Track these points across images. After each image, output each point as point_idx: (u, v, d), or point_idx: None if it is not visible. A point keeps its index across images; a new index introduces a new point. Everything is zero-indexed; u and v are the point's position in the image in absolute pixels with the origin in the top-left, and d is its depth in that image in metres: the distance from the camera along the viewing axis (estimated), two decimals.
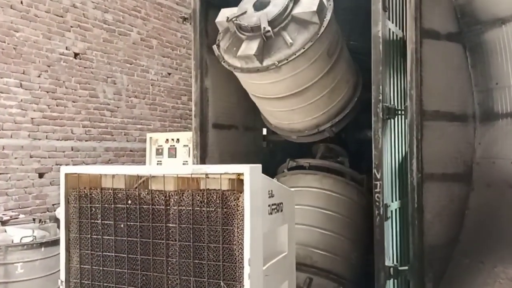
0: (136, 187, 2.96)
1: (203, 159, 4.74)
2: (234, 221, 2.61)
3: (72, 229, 3.11)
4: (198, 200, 2.71)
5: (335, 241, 4.37)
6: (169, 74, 10.06)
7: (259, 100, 4.60)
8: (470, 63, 4.05)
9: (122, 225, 2.94)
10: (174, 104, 10.18)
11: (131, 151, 9.02)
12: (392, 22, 4.15)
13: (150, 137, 6.22)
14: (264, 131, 5.76)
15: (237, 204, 2.59)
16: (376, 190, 3.84)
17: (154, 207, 2.83)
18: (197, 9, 4.75)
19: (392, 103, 4.02)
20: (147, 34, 9.47)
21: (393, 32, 4.15)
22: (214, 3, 4.93)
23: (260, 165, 2.67)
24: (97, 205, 3.00)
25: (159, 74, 9.77)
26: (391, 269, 3.87)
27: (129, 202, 2.91)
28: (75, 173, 3.10)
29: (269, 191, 2.85)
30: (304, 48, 3.80)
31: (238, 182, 2.60)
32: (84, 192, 3.06)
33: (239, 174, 2.61)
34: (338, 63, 4.32)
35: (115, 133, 8.68)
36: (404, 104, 4.03)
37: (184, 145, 5.79)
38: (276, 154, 5.66)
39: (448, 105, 3.99)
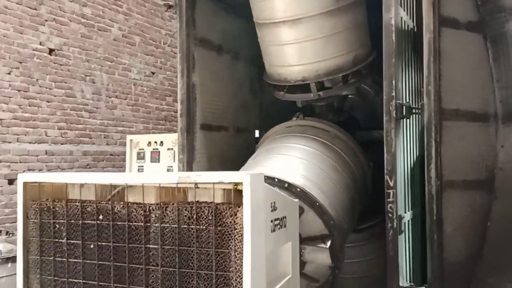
0: (109, 199, 2.43)
1: (190, 164, 4.21)
2: (231, 242, 2.09)
3: (31, 249, 2.56)
4: (186, 216, 2.19)
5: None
6: (153, 73, 9.50)
7: (271, 31, 3.99)
8: (491, 56, 3.61)
9: (92, 246, 2.40)
10: (158, 105, 9.62)
11: (111, 155, 8.42)
12: (404, 10, 3.69)
13: (131, 140, 5.65)
14: (257, 133, 5.25)
15: (234, 221, 2.08)
16: (389, 200, 3.35)
17: (131, 224, 2.30)
18: None
19: (405, 101, 3.56)
20: (129, 31, 8.91)
21: (404, 22, 3.69)
22: None
23: (262, 173, 2.16)
24: (62, 220, 2.47)
25: (142, 73, 9.20)
26: None
27: (101, 217, 2.38)
28: (36, 182, 2.55)
29: (271, 204, 2.34)
30: None
31: (235, 194, 2.09)
32: (47, 205, 2.52)
33: (236, 184, 2.09)
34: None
35: (94, 135, 8.08)
36: (419, 102, 3.56)
37: (168, 149, 5.24)
38: None
39: (469, 103, 3.54)
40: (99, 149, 8.15)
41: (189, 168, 4.21)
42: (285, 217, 2.59)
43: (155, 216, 2.25)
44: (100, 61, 8.22)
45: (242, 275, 2.04)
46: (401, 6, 3.59)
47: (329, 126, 4.16)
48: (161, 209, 2.24)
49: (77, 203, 2.43)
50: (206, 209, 2.14)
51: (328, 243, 3.29)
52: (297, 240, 2.84)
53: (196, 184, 2.19)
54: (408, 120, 3.54)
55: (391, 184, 3.36)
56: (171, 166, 5.19)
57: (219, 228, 2.10)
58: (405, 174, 3.60)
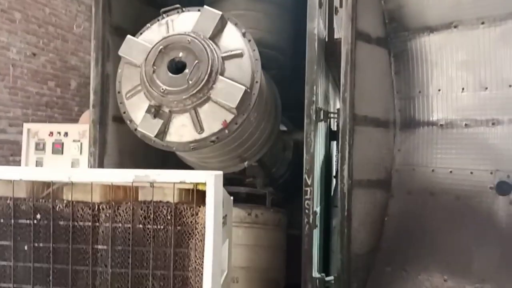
0: (43, 197, 2.27)
1: (101, 158, 4.02)
2: (191, 242, 2.10)
3: None
4: (141, 216, 2.14)
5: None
6: (34, 54, 8.72)
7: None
8: (394, 69, 4.03)
9: (25, 247, 2.22)
10: (39, 89, 8.86)
11: None
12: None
13: (28, 129, 5.15)
14: None
15: (195, 221, 2.10)
16: (306, 197, 3.58)
17: (76, 223, 2.18)
18: None
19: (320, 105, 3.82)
20: (9, 6, 8.07)
21: (322, 32, 3.95)
22: None
23: (221, 173, 2.20)
24: None
25: (23, 53, 8.40)
26: (317, 280, 3.67)
27: (38, 216, 2.21)
28: None
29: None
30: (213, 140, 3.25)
31: (197, 194, 2.10)
32: None
33: (197, 184, 2.11)
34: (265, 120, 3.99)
35: None
36: (326, 107, 3.87)
37: (74, 140, 4.89)
38: None
39: (374, 110, 3.91)
40: None
41: (100, 162, 4.02)
42: (226, 215, 2.65)
43: (105, 215, 2.16)
44: None
45: (201, 274, 2.07)
46: None
47: None
48: (113, 208, 2.16)
49: (8, 201, 2.23)
50: (164, 209, 2.12)
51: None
52: (231, 237, 2.92)
53: (151, 183, 2.15)
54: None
55: (309, 182, 3.59)
56: (77, 159, 4.86)
57: (178, 227, 2.10)
58: (317, 173, 3.87)
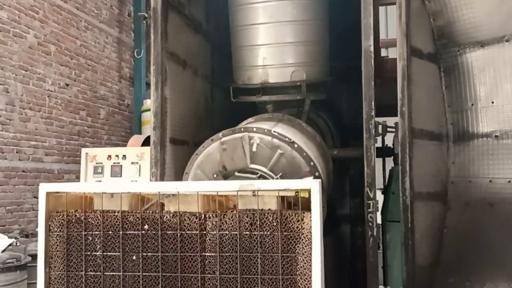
0: (147, 208, 2.37)
1: (162, 178, 4.12)
2: (297, 247, 2.18)
3: (55, 265, 2.36)
4: (247, 223, 2.23)
5: None
6: (67, 85, 8.97)
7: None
8: (444, 84, 4.14)
9: (134, 257, 2.30)
10: (72, 119, 9.07)
11: (23, 171, 7.72)
12: None
13: (86, 153, 5.28)
14: None
15: (301, 226, 2.18)
16: (369, 210, 3.66)
17: (184, 232, 2.27)
18: (158, 8, 4.18)
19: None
20: (45, 39, 8.36)
21: None
22: (173, 3, 4.42)
23: (321, 180, 2.29)
24: (97, 232, 2.33)
25: (57, 84, 8.65)
26: None
27: (146, 227, 2.30)
28: (61, 192, 2.38)
29: None
30: None
31: (302, 200, 2.19)
32: (76, 216, 2.35)
33: (300, 191, 2.20)
34: None
35: (5, 150, 7.38)
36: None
37: (132, 162, 5.00)
38: None
39: (429, 124, 4.00)
40: (10, 165, 7.44)
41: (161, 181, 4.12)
42: None
43: (212, 223, 2.25)
44: (15, 69, 7.58)
45: (309, 278, 2.14)
46: None
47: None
48: (219, 216, 2.25)
49: (116, 213, 2.32)
50: (270, 216, 2.20)
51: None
52: None
53: (254, 191, 2.24)
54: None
55: (371, 195, 3.67)
56: (136, 181, 4.96)
57: (285, 233, 2.18)
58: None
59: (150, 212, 2.30)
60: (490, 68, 3.90)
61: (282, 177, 3.20)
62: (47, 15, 8.42)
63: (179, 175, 4.47)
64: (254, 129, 3.61)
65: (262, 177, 3.18)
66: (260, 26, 4.53)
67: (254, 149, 3.44)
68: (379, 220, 4.20)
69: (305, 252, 2.16)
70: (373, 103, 3.70)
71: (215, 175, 3.60)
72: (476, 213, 3.91)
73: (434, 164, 4.05)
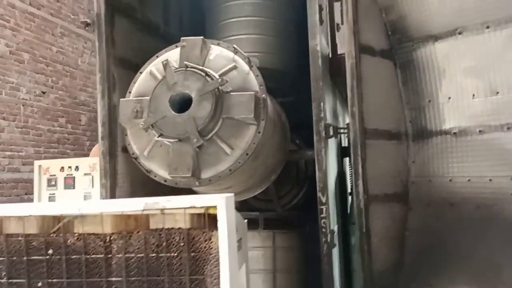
0: (54, 232, 2.23)
1: (113, 190, 3.99)
2: (206, 268, 2.05)
3: None
4: (153, 244, 2.09)
5: None
6: (44, 92, 8.87)
7: None
8: (401, 80, 3.99)
9: (40, 284, 2.17)
10: (50, 127, 8.97)
11: None
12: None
13: (40, 165, 5.17)
14: None
15: (209, 246, 2.04)
16: (322, 216, 3.51)
17: (88, 256, 2.13)
18: (102, 14, 4.05)
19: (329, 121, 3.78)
20: (17, 47, 8.25)
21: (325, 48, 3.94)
22: (120, 8, 4.27)
23: (232, 195, 2.16)
24: (1, 258, 2.20)
25: (32, 92, 8.54)
26: None
27: (50, 252, 2.17)
28: None
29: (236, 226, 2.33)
30: (247, 154, 3.08)
31: (209, 218, 2.05)
32: None
33: (208, 208, 2.06)
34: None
35: None
36: (336, 122, 3.82)
37: (85, 174, 4.89)
38: None
39: (385, 123, 3.86)
40: None
41: (112, 193, 3.99)
42: (241, 238, 2.59)
43: (117, 246, 2.12)
44: None
45: None
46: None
47: None
48: (124, 238, 2.11)
49: (19, 238, 2.19)
50: (177, 236, 2.07)
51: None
52: (248, 262, 2.85)
53: (162, 210, 2.11)
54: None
55: (324, 200, 3.53)
56: (89, 192, 4.85)
57: (192, 254, 2.05)
58: (332, 190, 3.81)
59: (54, 235, 2.18)
60: (444, 62, 3.74)
61: (232, 90, 3.07)
62: (19, 23, 8.31)
63: (135, 184, 4.35)
64: (218, 43, 3.36)
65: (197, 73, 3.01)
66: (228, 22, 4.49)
67: (211, 57, 3.20)
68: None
69: (214, 274, 2.03)
70: (322, 104, 3.55)
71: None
72: (438, 214, 3.77)
73: (394, 164, 3.91)
